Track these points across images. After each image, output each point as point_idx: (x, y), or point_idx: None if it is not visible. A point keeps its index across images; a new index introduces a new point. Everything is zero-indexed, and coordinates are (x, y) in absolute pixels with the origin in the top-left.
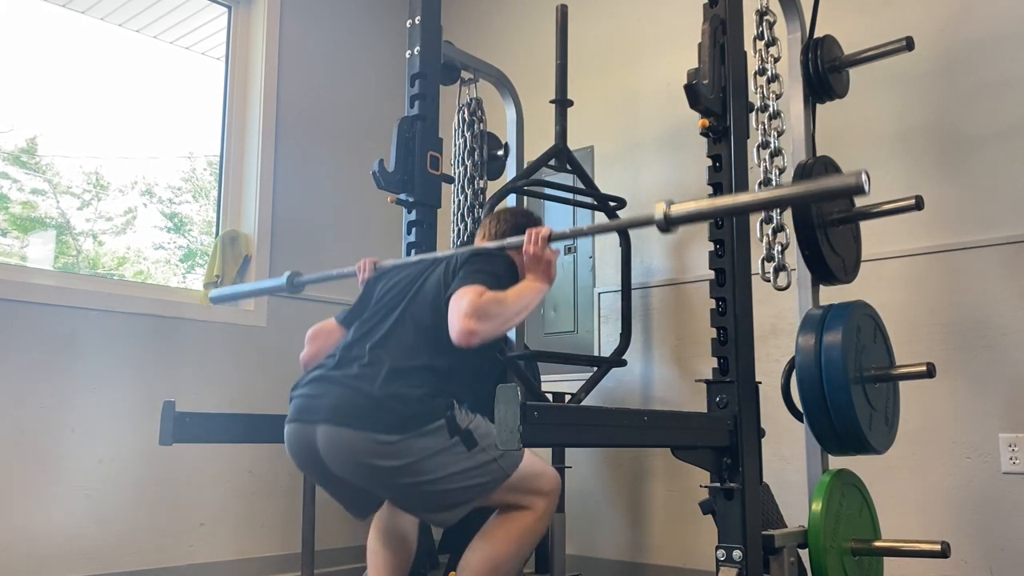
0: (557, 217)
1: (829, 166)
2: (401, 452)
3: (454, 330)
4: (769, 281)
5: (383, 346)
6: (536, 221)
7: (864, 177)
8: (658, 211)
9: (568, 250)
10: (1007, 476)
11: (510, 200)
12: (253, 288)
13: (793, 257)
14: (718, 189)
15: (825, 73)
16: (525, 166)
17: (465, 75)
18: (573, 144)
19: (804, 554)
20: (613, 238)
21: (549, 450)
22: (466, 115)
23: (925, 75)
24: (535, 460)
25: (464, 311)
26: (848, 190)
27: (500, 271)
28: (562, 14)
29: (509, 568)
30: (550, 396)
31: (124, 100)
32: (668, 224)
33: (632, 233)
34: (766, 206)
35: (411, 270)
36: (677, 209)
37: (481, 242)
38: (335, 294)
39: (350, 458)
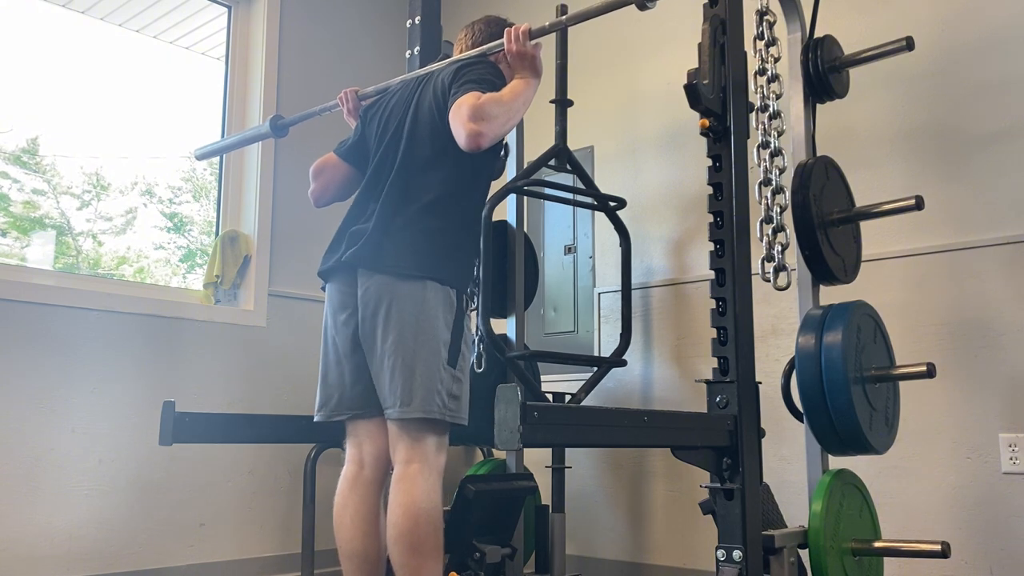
0: (557, 217)
1: (829, 166)
2: (415, 290)
3: (460, 137)
4: (769, 281)
5: (399, 189)
6: (508, 24)
7: None
8: None
9: (568, 250)
10: (1007, 476)
11: (510, 200)
12: (238, 139)
13: (793, 257)
14: (718, 189)
15: (825, 73)
16: (525, 166)
17: None
18: (573, 144)
19: (804, 554)
20: (613, 238)
21: (549, 450)
22: None
23: (925, 75)
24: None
25: (466, 115)
26: None
27: (487, 75)
28: (562, 14)
29: (429, 511)
30: (550, 396)
31: (124, 100)
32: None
33: (632, 233)
34: None
35: (399, 97)
36: None
37: (461, 54)
38: None
39: (382, 294)
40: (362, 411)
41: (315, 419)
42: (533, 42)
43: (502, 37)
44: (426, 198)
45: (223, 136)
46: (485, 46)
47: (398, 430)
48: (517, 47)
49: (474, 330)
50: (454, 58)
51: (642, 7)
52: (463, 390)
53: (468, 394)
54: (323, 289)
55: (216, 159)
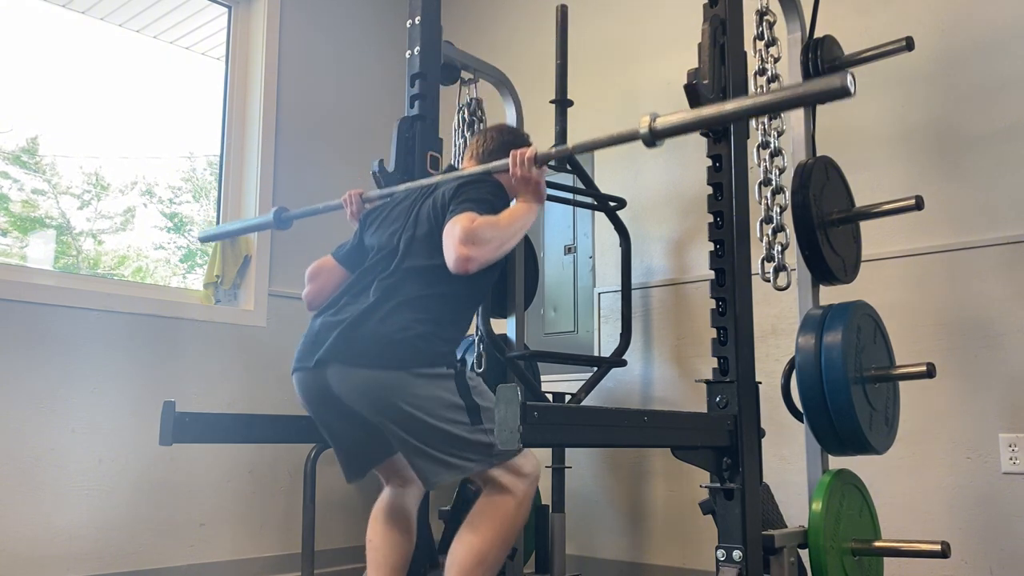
0: (557, 217)
1: (829, 166)
2: (406, 384)
3: (450, 259)
4: (769, 281)
5: (384, 287)
6: (521, 137)
7: (849, 79)
8: (643, 125)
9: (568, 250)
10: (1007, 476)
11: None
12: (241, 225)
13: (793, 257)
14: (718, 189)
15: (825, 73)
16: None
17: (465, 75)
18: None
19: (804, 554)
20: (613, 238)
21: (549, 450)
22: (466, 115)
23: (925, 75)
24: None
25: (458, 238)
26: (834, 92)
27: (489, 195)
28: (562, 14)
29: (494, 558)
30: (550, 396)
31: (124, 100)
32: (654, 137)
33: (632, 233)
34: (752, 112)
35: (401, 206)
36: (662, 122)
37: (468, 162)
38: None
39: (364, 391)
40: (380, 460)
41: (347, 482)
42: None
43: (512, 147)
44: (410, 299)
45: (223, 136)
46: (490, 165)
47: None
48: (522, 171)
49: (474, 330)
50: (458, 173)
51: (650, 145)
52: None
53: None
54: (292, 375)
55: (216, 159)
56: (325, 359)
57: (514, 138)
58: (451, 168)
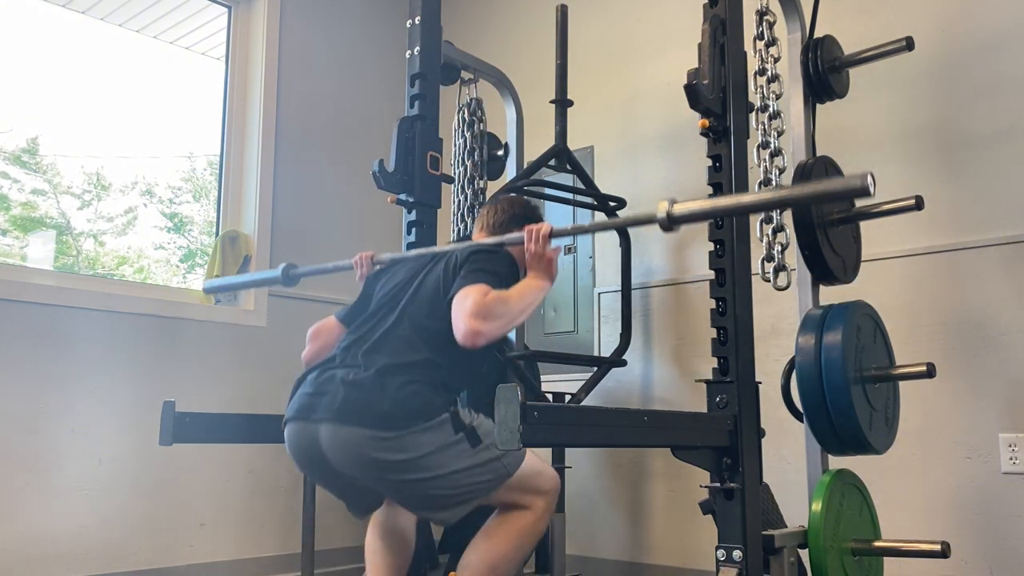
0: (557, 217)
1: (829, 166)
2: (405, 447)
3: (459, 331)
4: (769, 281)
5: (382, 345)
6: (534, 212)
7: (870, 180)
8: (661, 210)
9: (568, 250)
10: (1007, 476)
11: None
12: (248, 279)
13: (793, 257)
14: (718, 189)
15: (825, 73)
16: (525, 166)
17: (465, 75)
18: (573, 144)
19: (804, 554)
20: (613, 238)
21: (549, 450)
22: (466, 115)
23: (925, 75)
24: (535, 459)
25: (469, 311)
26: (853, 192)
27: (501, 269)
28: (562, 14)
29: (508, 568)
30: (550, 396)
31: (124, 100)
32: (671, 223)
33: (632, 233)
34: (770, 207)
35: (410, 267)
36: (680, 208)
37: (479, 234)
38: (335, 293)
39: (355, 455)
40: (382, 501)
41: (356, 518)
42: (552, 244)
43: (524, 220)
44: (407, 358)
45: (223, 136)
46: (505, 237)
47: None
48: (536, 248)
49: None
50: (471, 243)
51: (667, 229)
52: (488, 431)
53: (492, 424)
54: (282, 429)
55: (216, 159)
56: (320, 417)
57: (525, 211)
58: (465, 238)
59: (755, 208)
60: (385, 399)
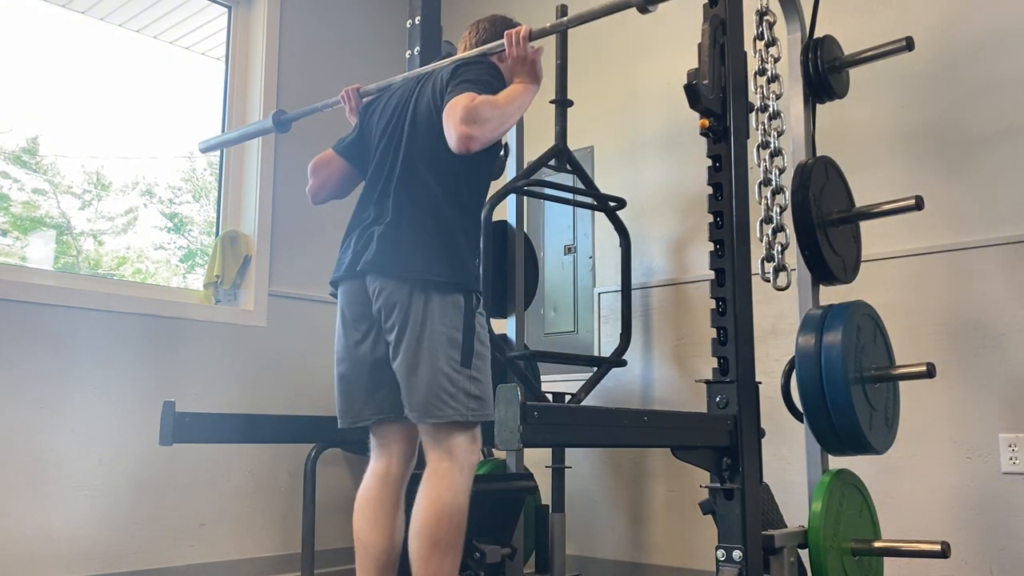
0: (557, 217)
1: (829, 166)
2: (421, 297)
3: (451, 138)
4: (769, 281)
5: (400, 192)
6: (512, 24)
7: None
8: None
9: (568, 250)
10: (1007, 476)
11: (510, 200)
12: (241, 133)
13: (793, 257)
14: (718, 189)
15: (825, 73)
16: (525, 166)
17: None
18: (573, 144)
19: (804, 554)
20: (613, 238)
21: (549, 450)
22: None
23: (925, 75)
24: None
25: (459, 118)
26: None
27: (485, 75)
28: (562, 14)
29: (451, 513)
30: (550, 396)
31: (124, 100)
32: (646, 3)
33: (632, 233)
34: None
35: (399, 94)
36: None
37: (462, 54)
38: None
39: (391, 301)
40: (387, 415)
41: (339, 426)
42: (535, 46)
43: (504, 31)
44: (425, 201)
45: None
46: (485, 46)
47: (427, 432)
48: (517, 51)
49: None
50: (455, 57)
51: (643, 10)
52: (484, 388)
53: (491, 391)
54: (333, 295)
55: (217, 157)
56: (364, 270)
57: (505, 23)
58: (447, 56)
59: None
60: (411, 249)
